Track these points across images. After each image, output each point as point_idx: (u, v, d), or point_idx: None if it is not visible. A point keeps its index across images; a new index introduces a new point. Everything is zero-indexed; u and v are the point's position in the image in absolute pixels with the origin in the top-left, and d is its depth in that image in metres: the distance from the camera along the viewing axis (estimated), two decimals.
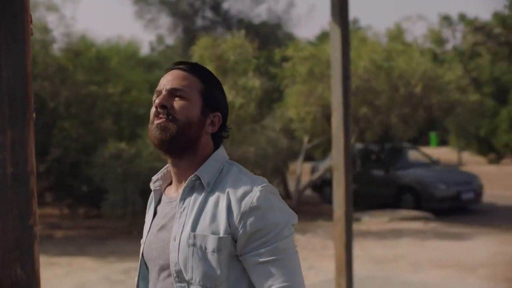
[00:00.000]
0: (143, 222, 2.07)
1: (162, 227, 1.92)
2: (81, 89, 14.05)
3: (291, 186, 16.64)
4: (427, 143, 34.55)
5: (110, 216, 12.42)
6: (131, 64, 17.47)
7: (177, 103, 1.89)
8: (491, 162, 27.86)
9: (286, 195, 17.34)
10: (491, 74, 25.94)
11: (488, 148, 27.42)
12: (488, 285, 8.42)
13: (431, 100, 14.34)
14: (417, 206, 14.85)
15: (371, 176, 16.16)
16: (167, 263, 1.85)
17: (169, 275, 1.86)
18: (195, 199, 1.87)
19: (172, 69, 1.98)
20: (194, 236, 1.81)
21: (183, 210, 1.87)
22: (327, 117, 13.98)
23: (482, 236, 11.99)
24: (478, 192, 15.50)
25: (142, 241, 2.01)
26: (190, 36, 21.03)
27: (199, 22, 22.30)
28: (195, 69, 1.97)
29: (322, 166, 15.97)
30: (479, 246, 10.84)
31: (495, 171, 23.59)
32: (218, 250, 1.79)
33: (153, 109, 1.93)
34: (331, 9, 7.94)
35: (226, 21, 21.72)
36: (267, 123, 14.16)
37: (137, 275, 2.03)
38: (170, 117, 1.87)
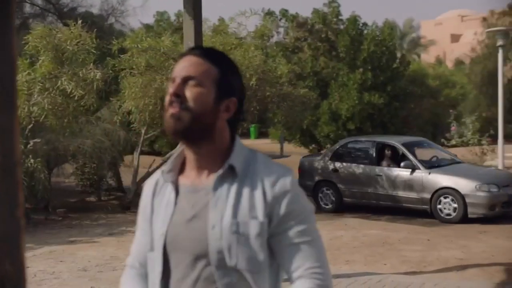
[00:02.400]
0: None
1: (193, 217, 1.89)
2: None
3: (127, 179, 16.42)
4: (245, 135, 35.62)
5: None
6: None
7: (190, 92, 1.87)
8: (312, 152, 29.24)
9: (118, 188, 17.10)
10: (312, 68, 27.18)
11: (310, 139, 28.73)
12: (331, 268, 8.91)
13: (264, 92, 14.80)
14: (462, 213, 12.76)
15: (391, 176, 13.87)
16: (205, 251, 1.84)
17: (208, 263, 1.85)
18: (229, 187, 1.88)
19: (187, 54, 1.95)
20: (237, 223, 1.83)
21: (218, 198, 1.87)
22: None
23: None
24: None
25: (161, 233, 1.93)
26: (18, 23, 20.04)
27: (27, 8, 21.29)
28: (210, 54, 1.94)
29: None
30: None
31: None
32: (260, 234, 1.85)
33: (167, 97, 1.90)
34: (184, 2, 8.01)
35: (58, 10, 20.91)
36: (103, 115, 13.89)
37: (159, 270, 1.94)
38: (183, 106, 1.86)
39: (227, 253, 1.83)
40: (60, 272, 8.59)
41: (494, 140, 21.26)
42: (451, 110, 24.14)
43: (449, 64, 54.21)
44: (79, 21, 12.49)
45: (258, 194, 1.87)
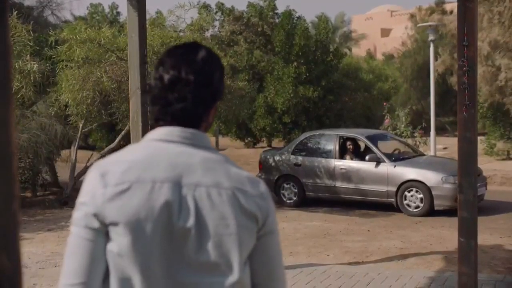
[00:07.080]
0: None
1: None
2: None
3: (62, 174, 16.12)
4: None
5: None
6: None
7: None
8: (247, 145, 29.38)
9: (53, 184, 16.76)
10: (248, 61, 27.24)
11: (246, 133, 28.82)
12: None
13: None
14: (428, 206, 12.75)
15: (355, 169, 13.71)
16: None
17: None
18: None
19: None
20: None
21: None
22: (104, 103, 13.78)
23: None
24: (485, 186, 13.51)
25: None
26: None
27: None
28: None
29: None
30: None
31: (251, 153, 24.85)
32: None
33: None
34: None
35: None
36: (39, 109, 13.57)
37: None
38: None
39: None
40: None
41: (425, 132, 21.80)
42: (384, 103, 24.58)
43: (380, 58, 55.21)
44: (14, 12, 12.13)
45: None
